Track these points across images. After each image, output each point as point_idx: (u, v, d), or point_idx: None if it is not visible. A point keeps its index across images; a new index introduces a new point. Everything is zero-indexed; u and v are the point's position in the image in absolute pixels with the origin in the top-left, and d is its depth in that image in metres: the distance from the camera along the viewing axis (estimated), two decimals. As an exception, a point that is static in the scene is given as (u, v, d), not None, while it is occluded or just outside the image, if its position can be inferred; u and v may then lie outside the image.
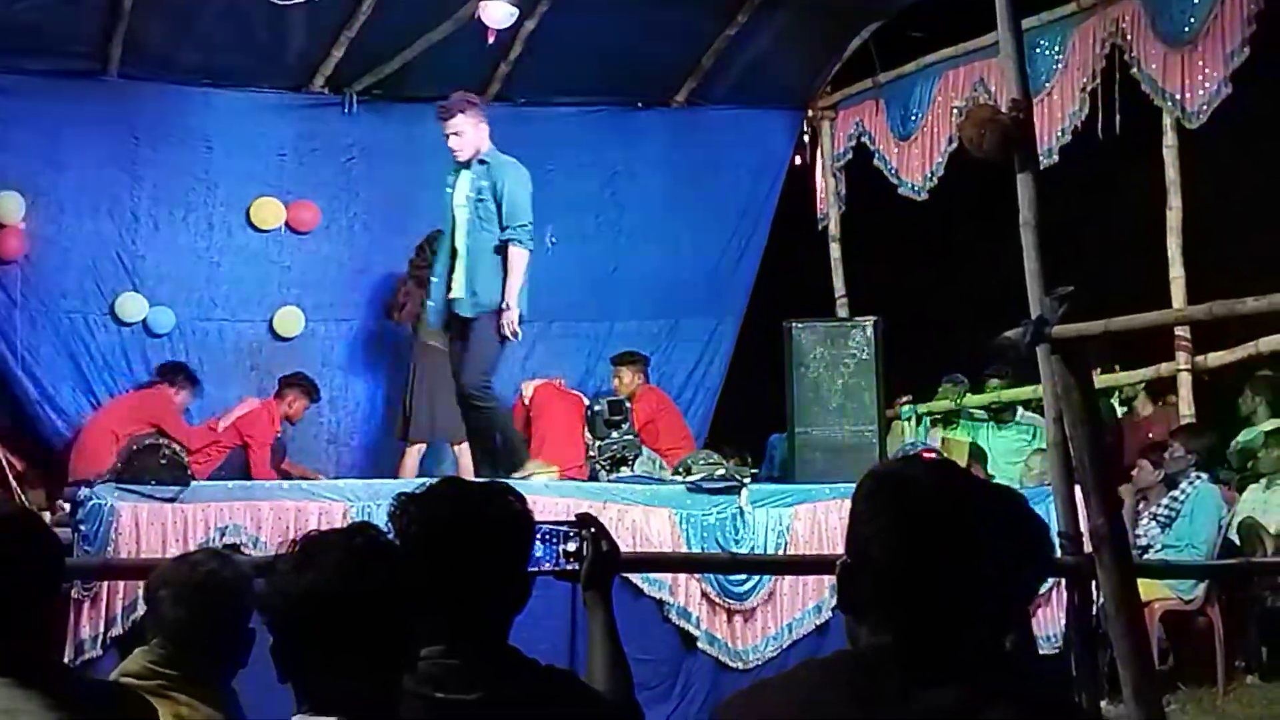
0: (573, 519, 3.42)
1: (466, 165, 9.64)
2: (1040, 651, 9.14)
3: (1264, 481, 10.47)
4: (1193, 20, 10.19)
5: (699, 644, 8.95)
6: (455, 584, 2.94)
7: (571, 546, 3.35)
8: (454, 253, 9.69)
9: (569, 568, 3.35)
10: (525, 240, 9.59)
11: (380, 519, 3.01)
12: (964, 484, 2.32)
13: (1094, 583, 6.27)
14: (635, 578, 8.67)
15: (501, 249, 9.54)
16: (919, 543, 2.22)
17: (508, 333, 9.50)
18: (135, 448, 8.93)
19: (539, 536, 3.24)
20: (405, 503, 3.03)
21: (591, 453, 10.53)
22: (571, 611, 7.92)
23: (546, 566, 3.32)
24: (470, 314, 9.56)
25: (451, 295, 9.64)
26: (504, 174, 9.61)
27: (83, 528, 7.97)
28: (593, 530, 3.38)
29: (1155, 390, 12.31)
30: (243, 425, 11.22)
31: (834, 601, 2.22)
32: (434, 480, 3.14)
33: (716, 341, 13.40)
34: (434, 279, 9.83)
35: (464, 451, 10.35)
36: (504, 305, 9.47)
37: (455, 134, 9.60)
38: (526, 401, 11.70)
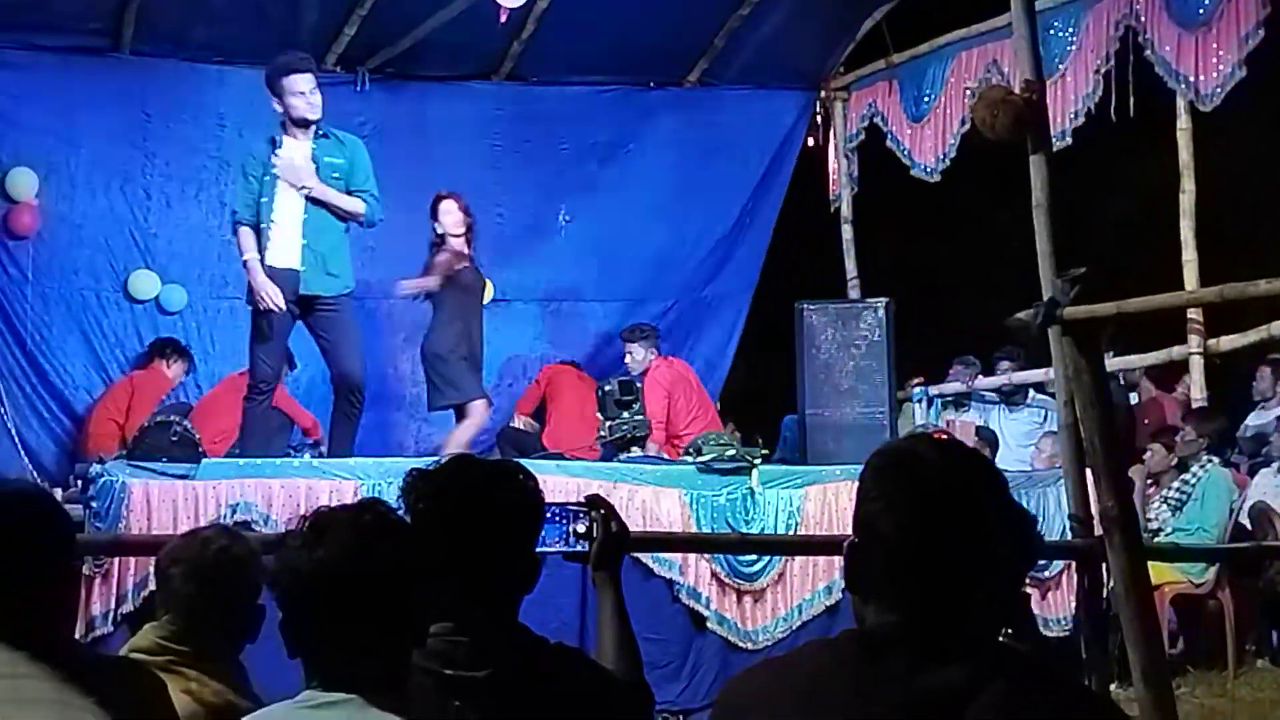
0: (582, 500, 3.43)
1: (288, 132, 9.19)
2: (1049, 634, 9.16)
3: (1275, 466, 10.48)
4: (1207, 2, 10.17)
5: (709, 624, 8.96)
6: (465, 561, 2.94)
7: (581, 527, 3.36)
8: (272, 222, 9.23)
9: (578, 548, 3.36)
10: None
11: (391, 497, 3.02)
12: (971, 461, 2.32)
13: (1104, 565, 6.26)
14: (645, 558, 8.67)
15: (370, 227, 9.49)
16: (926, 519, 2.22)
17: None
18: (146, 424, 8.95)
19: (549, 517, 3.24)
20: (416, 479, 3.03)
21: (602, 433, 10.52)
22: (582, 591, 7.92)
23: (556, 546, 3.32)
24: (331, 293, 9.26)
25: (287, 266, 9.19)
26: (358, 152, 9.36)
27: (94, 504, 7.98)
28: (602, 511, 3.39)
29: (1156, 376, 12.30)
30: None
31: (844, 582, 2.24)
32: (445, 457, 3.14)
33: (727, 321, 13.40)
34: (265, 250, 9.21)
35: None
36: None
37: (316, 90, 9.18)
38: (542, 383, 11.69)
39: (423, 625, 2.73)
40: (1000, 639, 2.33)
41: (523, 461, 3.49)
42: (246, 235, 9.20)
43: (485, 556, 2.97)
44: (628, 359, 11.61)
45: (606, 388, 10.66)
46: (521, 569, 3.04)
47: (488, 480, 3.07)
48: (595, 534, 3.36)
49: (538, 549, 3.14)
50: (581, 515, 3.37)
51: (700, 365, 13.17)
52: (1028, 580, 9.00)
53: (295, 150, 9.19)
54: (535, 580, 3.06)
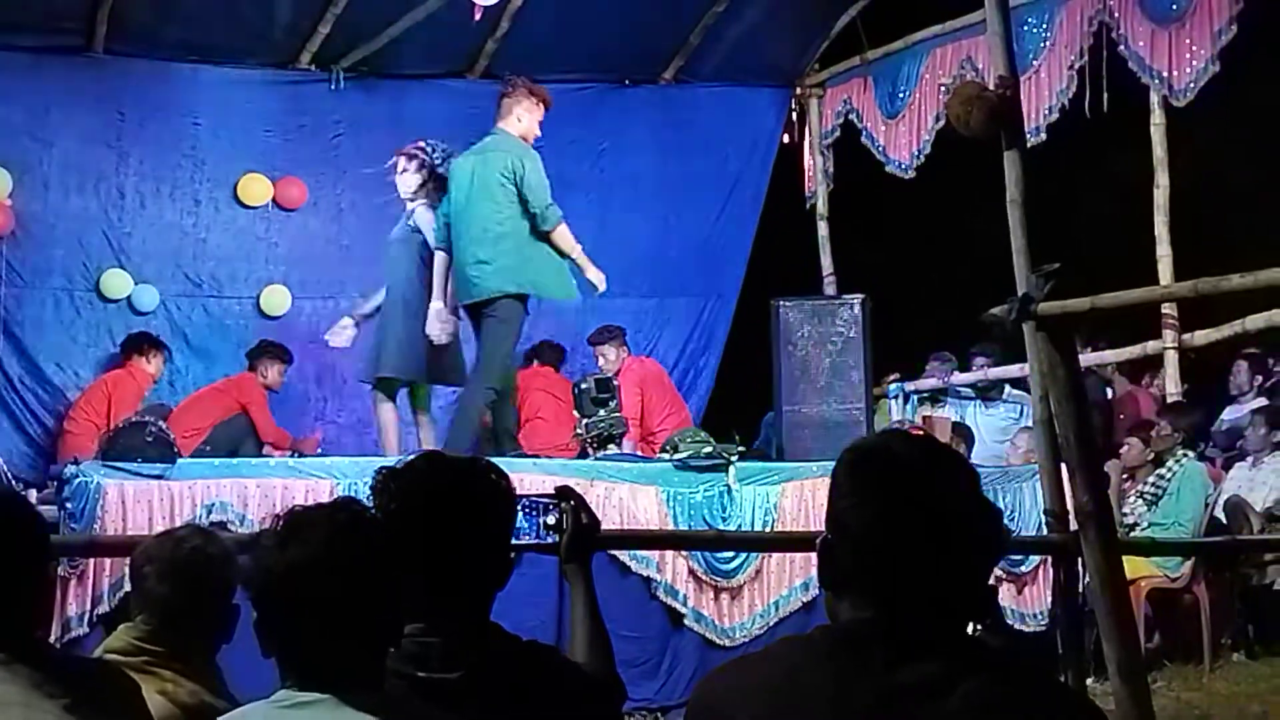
0: (552, 492, 3.41)
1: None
2: (1025, 629, 9.17)
3: (1250, 459, 10.50)
4: (1180, -2, 10.21)
5: (686, 621, 8.95)
6: (437, 560, 2.92)
7: (551, 519, 3.34)
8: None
9: (549, 540, 3.34)
10: None
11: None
12: (943, 457, 2.32)
13: (1080, 560, 6.27)
14: (623, 555, 8.66)
15: None
16: (898, 514, 2.22)
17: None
18: (122, 425, 8.91)
19: (518, 509, 3.22)
20: (387, 478, 3.01)
21: (579, 430, 10.49)
22: (559, 589, 7.90)
23: (526, 539, 3.31)
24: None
25: None
26: None
27: (69, 505, 7.94)
28: (571, 503, 3.37)
29: (1129, 371, 12.32)
30: (234, 393, 11.15)
31: (820, 579, 2.25)
32: (415, 455, 3.13)
33: (709, 320, 13.39)
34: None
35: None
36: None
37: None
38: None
39: (398, 624, 2.72)
40: (973, 633, 2.34)
41: (498, 459, 3.48)
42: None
43: (457, 555, 2.95)
44: (600, 362, 11.63)
45: (583, 385, 10.61)
46: (494, 566, 3.03)
47: (458, 477, 3.06)
48: (565, 526, 3.35)
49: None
50: (551, 507, 3.35)
51: (684, 365, 13.18)
52: (1001, 575, 9.03)
53: None
54: (507, 578, 3.05)
